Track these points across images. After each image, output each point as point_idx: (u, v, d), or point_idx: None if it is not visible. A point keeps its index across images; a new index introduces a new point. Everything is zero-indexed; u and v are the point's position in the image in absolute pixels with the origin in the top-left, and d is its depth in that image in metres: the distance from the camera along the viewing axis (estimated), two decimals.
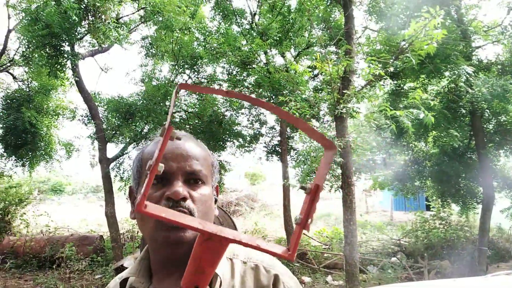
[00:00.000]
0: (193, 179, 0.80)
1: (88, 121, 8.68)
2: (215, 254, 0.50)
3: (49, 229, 9.28)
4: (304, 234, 8.76)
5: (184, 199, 0.76)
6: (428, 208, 10.52)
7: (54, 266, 7.16)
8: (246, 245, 0.46)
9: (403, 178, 9.09)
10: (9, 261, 7.13)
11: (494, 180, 8.09)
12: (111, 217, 7.80)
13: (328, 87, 5.09)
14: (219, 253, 0.50)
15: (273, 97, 7.80)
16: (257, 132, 9.59)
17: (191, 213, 0.77)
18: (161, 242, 0.77)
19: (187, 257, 0.78)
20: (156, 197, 0.77)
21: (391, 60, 5.07)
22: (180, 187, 0.75)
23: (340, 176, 4.89)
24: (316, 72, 8.11)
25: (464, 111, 7.10)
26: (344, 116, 4.43)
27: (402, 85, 8.48)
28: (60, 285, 5.68)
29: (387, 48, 7.11)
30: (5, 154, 8.86)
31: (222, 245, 0.49)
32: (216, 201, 0.88)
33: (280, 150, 8.98)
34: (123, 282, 0.85)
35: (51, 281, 6.47)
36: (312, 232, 10.25)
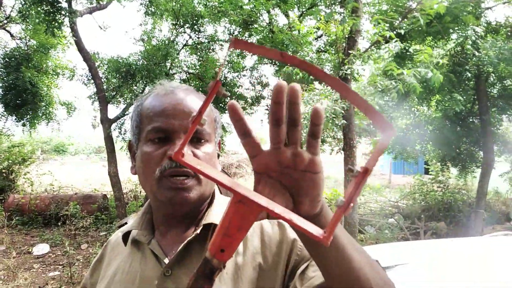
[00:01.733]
0: (196, 138, 0.77)
1: (88, 81, 8.58)
2: (244, 220, 0.46)
3: (53, 187, 9.44)
4: None
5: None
6: (426, 172, 10.61)
7: (59, 223, 7.35)
8: (278, 216, 0.43)
9: (404, 142, 9.11)
10: (14, 218, 7.31)
11: (495, 145, 8.11)
12: (114, 176, 7.89)
13: (332, 48, 4.98)
14: (249, 219, 0.46)
15: None
16: (259, 94, 9.50)
17: (194, 175, 0.76)
18: (165, 201, 0.76)
19: (189, 215, 0.81)
20: (157, 155, 0.75)
21: (398, 21, 4.93)
22: (183, 146, 0.70)
23: (342, 139, 4.90)
24: (319, 33, 7.91)
25: (469, 75, 6.99)
26: (349, 77, 4.37)
27: (407, 48, 8.31)
28: (66, 241, 5.85)
29: (394, 8, 6.89)
30: (5, 113, 8.85)
31: (253, 211, 0.45)
32: (218, 156, 0.86)
33: None
34: (126, 235, 0.85)
35: (57, 237, 6.67)
36: None
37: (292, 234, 0.77)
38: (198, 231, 0.76)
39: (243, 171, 15.74)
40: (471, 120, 8.36)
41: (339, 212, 0.42)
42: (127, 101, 8.52)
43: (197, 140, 0.77)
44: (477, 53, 6.43)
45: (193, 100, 0.78)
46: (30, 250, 6.16)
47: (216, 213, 0.79)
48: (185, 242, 0.75)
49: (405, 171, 15.65)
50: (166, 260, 0.76)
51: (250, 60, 9.53)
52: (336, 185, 11.97)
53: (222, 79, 8.61)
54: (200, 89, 8.83)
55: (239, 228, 0.47)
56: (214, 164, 0.80)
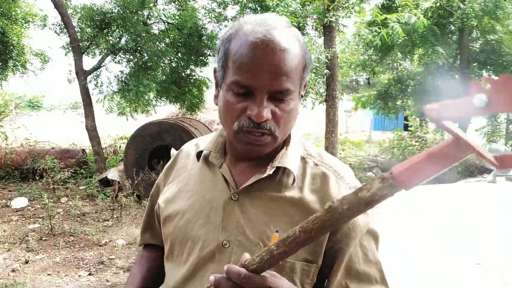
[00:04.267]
0: (277, 97, 0.74)
1: (60, 30, 8.13)
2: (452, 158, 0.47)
3: (29, 142, 9.18)
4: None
5: (266, 120, 0.73)
6: (406, 128, 10.78)
7: (37, 178, 7.22)
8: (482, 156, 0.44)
9: (386, 97, 9.16)
10: None
11: None
12: (92, 130, 7.71)
13: None
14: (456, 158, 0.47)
15: (258, 8, 7.37)
16: None
17: (271, 134, 0.76)
18: (239, 148, 0.80)
19: (263, 157, 0.84)
20: (237, 109, 0.75)
21: None
22: (263, 109, 0.72)
23: (324, 94, 4.84)
24: None
25: (453, 27, 6.94)
26: (334, 25, 4.24)
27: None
28: (44, 194, 5.77)
29: None
30: None
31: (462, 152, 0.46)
32: (302, 97, 0.85)
33: None
34: (200, 153, 0.89)
35: (35, 191, 6.57)
36: None
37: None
38: (270, 172, 0.79)
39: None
40: (452, 74, 8.41)
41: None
42: (103, 52, 8.16)
43: (280, 98, 0.74)
44: (462, 5, 6.35)
45: (281, 55, 0.72)
46: (8, 203, 6.07)
47: (290, 158, 0.82)
48: (258, 179, 0.79)
49: (385, 127, 15.91)
50: (234, 186, 0.82)
51: (231, 10, 9.18)
52: (317, 141, 12.09)
53: (200, 29, 8.26)
54: (180, 41, 8.51)
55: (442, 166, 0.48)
56: (294, 118, 0.79)
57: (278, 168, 0.80)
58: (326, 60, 4.16)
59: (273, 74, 0.71)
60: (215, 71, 0.84)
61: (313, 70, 4.10)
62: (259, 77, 0.71)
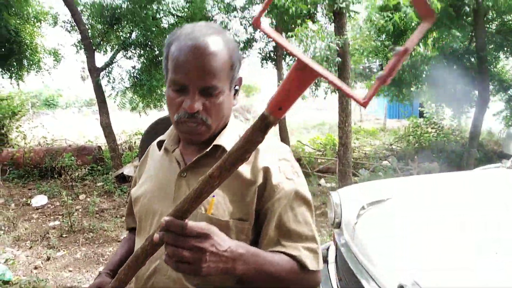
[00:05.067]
0: (208, 92, 0.89)
1: (71, 27, 8.20)
2: (302, 83, 0.56)
3: (47, 140, 9.36)
4: (298, 141, 8.79)
5: (198, 111, 0.88)
6: (421, 115, 10.60)
7: (55, 176, 7.36)
8: (330, 82, 0.52)
9: (399, 83, 8.98)
10: (10, 171, 7.30)
11: (490, 83, 8.02)
12: (106, 127, 7.80)
13: None
14: (306, 83, 0.57)
15: None
16: (251, 37, 9.18)
17: (204, 123, 0.91)
18: (181, 136, 1.00)
19: (204, 142, 0.99)
20: (176, 103, 0.90)
21: None
22: (195, 102, 0.87)
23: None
24: None
25: (467, 9, 6.73)
26: (344, 11, 4.15)
27: None
28: (63, 192, 5.88)
29: None
30: None
31: (311, 77, 0.56)
32: (236, 91, 1.00)
33: (275, 56, 8.70)
34: (160, 143, 1.08)
35: (54, 189, 6.70)
36: (306, 139, 10.45)
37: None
38: (207, 150, 0.96)
39: (237, 119, 15.68)
40: (467, 58, 8.18)
41: (378, 83, 0.49)
42: (114, 48, 8.22)
43: (210, 93, 0.89)
44: None
45: (209, 56, 0.87)
46: (28, 202, 6.21)
47: (226, 138, 0.97)
48: (197, 156, 0.97)
49: (399, 115, 15.66)
50: (184, 165, 0.99)
51: (240, 0, 9.10)
52: (331, 131, 11.99)
53: (209, 20, 8.23)
54: None
55: (298, 90, 0.57)
56: (226, 109, 0.95)
57: (217, 146, 0.96)
58: (337, 48, 4.09)
59: (201, 73, 0.86)
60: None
61: (324, 59, 4.04)
62: (190, 76, 0.87)
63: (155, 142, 1.14)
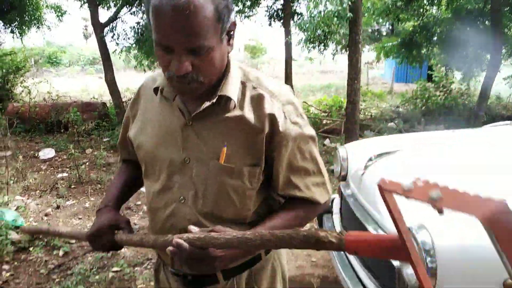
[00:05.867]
0: (197, 50, 0.83)
1: None
2: (387, 255, 0.68)
3: (52, 96, 9.34)
4: (304, 102, 8.72)
5: (188, 72, 0.84)
6: (430, 78, 10.41)
7: (61, 130, 7.41)
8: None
9: (410, 45, 8.78)
10: (16, 125, 7.34)
11: (503, 47, 7.83)
12: (111, 84, 7.76)
13: None
14: (392, 257, 0.72)
15: None
16: None
17: (196, 81, 0.86)
18: (175, 92, 0.95)
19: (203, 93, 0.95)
20: (164, 61, 0.86)
21: None
22: (182, 64, 0.82)
23: (346, 38, 4.65)
24: None
25: None
26: None
27: None
28: (70, 145, 5.93)
29: None
30: None
31: (402, 256, 0.63)
32: (231, 36, 0.91)
33: (283, 15, 8.46)
34: (156, 89, 1.01)
35: (61, 143, 6.76)
36: (312, 101, 10.37)
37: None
38: (214, 100, 0.93)
39: None
40: (481, 20, 7.94)
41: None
42: (118, 3, 8.01)
43: (197, 52, 0.83)
44: None
45: (192, 14, 0.78)
46: (36, 154, 6.29)
47: (230, 86, 0.94)
48: (203, 107, 0.94)
49: (408, 78, 15.42)
50: (187, 113, 0.97)
51: None
52: (337, 93, 11.87)
53: None
54: None
55: (378, 255, 0.63)
56: (219, 63, 0.90)
57: (221, 95, 0.94)
58: (350, 3, 3.96)
59: (185, 34, 0.80)
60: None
61: (335, 14, 3.93)
62: (174, 37, 0.81)
63: (149, 84, 1.09)
